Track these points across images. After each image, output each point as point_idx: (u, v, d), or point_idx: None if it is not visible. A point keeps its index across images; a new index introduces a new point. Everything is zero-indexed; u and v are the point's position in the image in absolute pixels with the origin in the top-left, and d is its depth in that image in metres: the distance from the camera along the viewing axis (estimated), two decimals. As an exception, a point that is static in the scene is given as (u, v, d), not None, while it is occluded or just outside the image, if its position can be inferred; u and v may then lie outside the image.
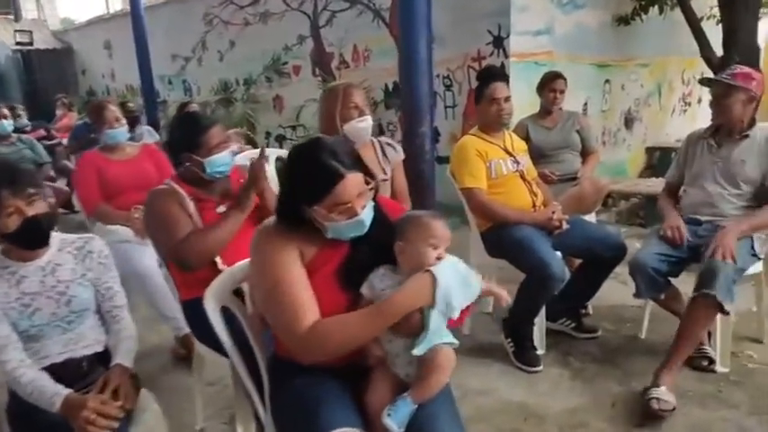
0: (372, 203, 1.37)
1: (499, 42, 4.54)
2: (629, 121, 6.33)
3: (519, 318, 2.62)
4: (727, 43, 5.03)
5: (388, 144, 2.39)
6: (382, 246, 1.40)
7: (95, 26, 10.33)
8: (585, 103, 5.59)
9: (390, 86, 5.40)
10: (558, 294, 2.84)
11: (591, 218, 3.48)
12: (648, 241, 2.50)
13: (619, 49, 5.86)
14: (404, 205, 2.40)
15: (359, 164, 1.34)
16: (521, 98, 3.70)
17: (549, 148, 3.52)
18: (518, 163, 2.75)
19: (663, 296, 2.42)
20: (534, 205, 2.72)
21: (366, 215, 1.34)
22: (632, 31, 5.88)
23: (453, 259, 1.37)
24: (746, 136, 2.46)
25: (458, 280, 1.31)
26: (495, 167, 2.69)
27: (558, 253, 2.72)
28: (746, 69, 2.47)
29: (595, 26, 5.43)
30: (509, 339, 2.67)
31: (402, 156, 2.40)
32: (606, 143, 6.07)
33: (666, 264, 2.36)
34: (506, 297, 1.46)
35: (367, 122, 2.21)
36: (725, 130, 2.53)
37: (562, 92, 3.50)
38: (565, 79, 3.50)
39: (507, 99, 2.77)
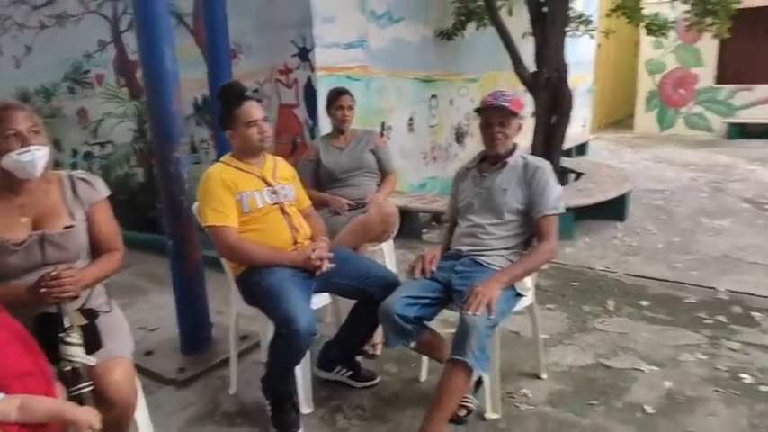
0: None
1: (305, 55, 4.21)
2: (460, 136, 6.33)
3: (274, 376, 2.25)
4: (538, 59, 5.13)
5: (83, 180, 1.90)
6: None
7: None
8: (411, 119, 5.46)
9: (200, 100, 4.88)
10: (332, 340, 2.55)
11: (389, 246, 3.27)
12: (402, 285, 2.25)
13: (445, 63, 5.82)
14: (113, 254, 1.94)
15: None
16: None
17: (341, 171, 3.24)
18: (277, 194, 2.40)
19: (414, 343, 2.17)
20: (296, 242, 2.38)
21: None
22: (458, 47, 5.87)
23: None
24: (506, 164, 2.30)
25: None
26: (248, 200, 2.31)
27: (325, 296, 2.42)
28: (517, 97, 2.34)
29: (416, 41, 5.31)
30: (268, 401, 2.30)
31: (104, 194, 1.92)
32: (438, 158, 6.01)
33: (417, 307, 2.11)
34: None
35: (34, 155, 1.70)
36: (489, 159, 2.38)
37: (351, 108, 3.24)
38: (351, 95, 3.23)
39: (265, 119, 2.42)
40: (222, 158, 2.46)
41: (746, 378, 2.46)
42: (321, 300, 2.39)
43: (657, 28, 6.49)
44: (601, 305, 3.26)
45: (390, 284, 2.31)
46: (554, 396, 2.38)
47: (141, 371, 2.41)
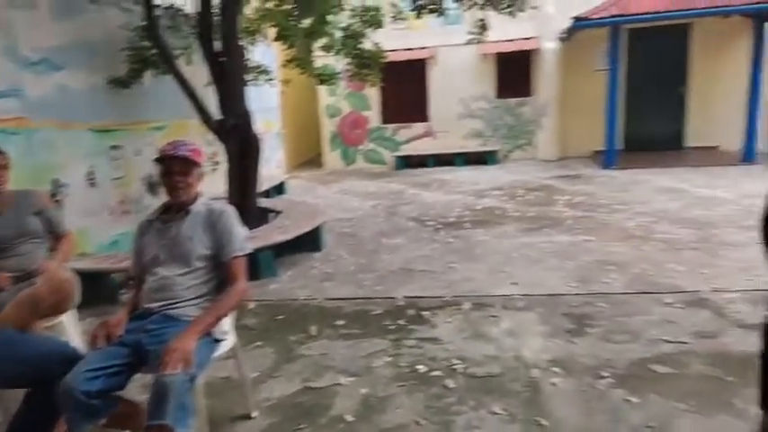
0: None
1: (-68, 107, 3.50)
2: (152, 187, 6.03)
3: None
4: (222, 108, 5.27)
5: None
6: None
7: None
8: (92, 174, 4.99)
9: None
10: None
11: (71, 317, 2.91)
12: (84, 358, 2.06)
13: (124, 112, 5.50)
14: None
15: None
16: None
17: (1, 242, 2.77)
18: None
19: (106, 420, 2.00)
20: (-66, 335, 1.94)
21: None
22: (138, 94, 5.63)
23: None
24: (189, 211, 2.32)
25: None
26: None
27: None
28: (196, 146, 2.37)
29: (85, 89, 4.91)
30: None
31: None
32: (129, 212, 5.60)
33: (101, 379, 1.95)
34: None
35: None
36: (174, 208, 2.36)
37: (5, 167, 2.80)
38: (3, 153, 2.81)
39: None
40: None
41: (421, 368, 2.94)
42: (-20, 398, 2.00)
43: (327, 78, 7.35)
44: (304, 332, 3.49)
45: (69, 359, 2.08)
46: (265, 431, 2.45)
47: None
